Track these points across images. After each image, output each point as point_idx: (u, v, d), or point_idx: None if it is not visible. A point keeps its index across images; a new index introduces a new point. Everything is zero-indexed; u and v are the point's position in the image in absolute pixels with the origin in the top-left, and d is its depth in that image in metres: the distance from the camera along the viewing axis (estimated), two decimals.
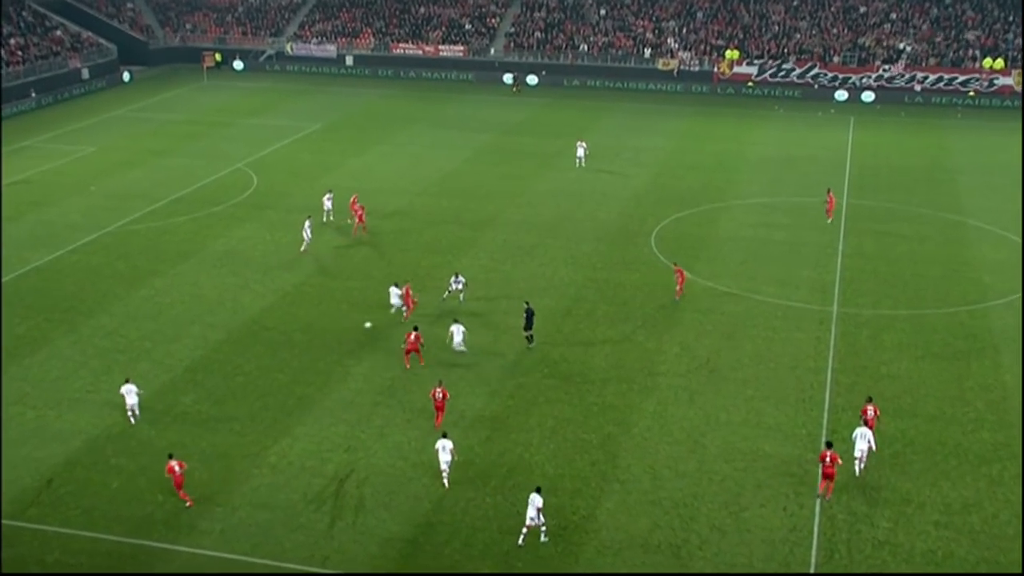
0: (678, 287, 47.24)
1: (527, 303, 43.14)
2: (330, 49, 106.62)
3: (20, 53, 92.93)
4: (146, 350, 42.22)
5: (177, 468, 31.95)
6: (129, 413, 36.76)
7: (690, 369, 40.85)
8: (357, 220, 55.82)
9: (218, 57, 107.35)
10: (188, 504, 31.96)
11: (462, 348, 41.32)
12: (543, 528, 30.52)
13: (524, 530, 30.55)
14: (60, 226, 57.62)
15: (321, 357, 41.75)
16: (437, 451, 33.10)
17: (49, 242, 54.98)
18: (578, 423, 36.81)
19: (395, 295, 44.05)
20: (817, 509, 32.06)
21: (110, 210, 60.46)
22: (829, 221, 57.81)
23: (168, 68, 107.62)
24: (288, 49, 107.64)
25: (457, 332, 41.32)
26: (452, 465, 33.10)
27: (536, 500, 30.27)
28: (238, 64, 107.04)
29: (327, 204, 58.14)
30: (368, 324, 43.10)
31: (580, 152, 70.01)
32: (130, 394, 36.76)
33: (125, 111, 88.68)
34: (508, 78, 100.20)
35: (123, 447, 35.11)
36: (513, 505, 32.15)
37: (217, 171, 68.80)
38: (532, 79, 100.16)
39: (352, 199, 58.14)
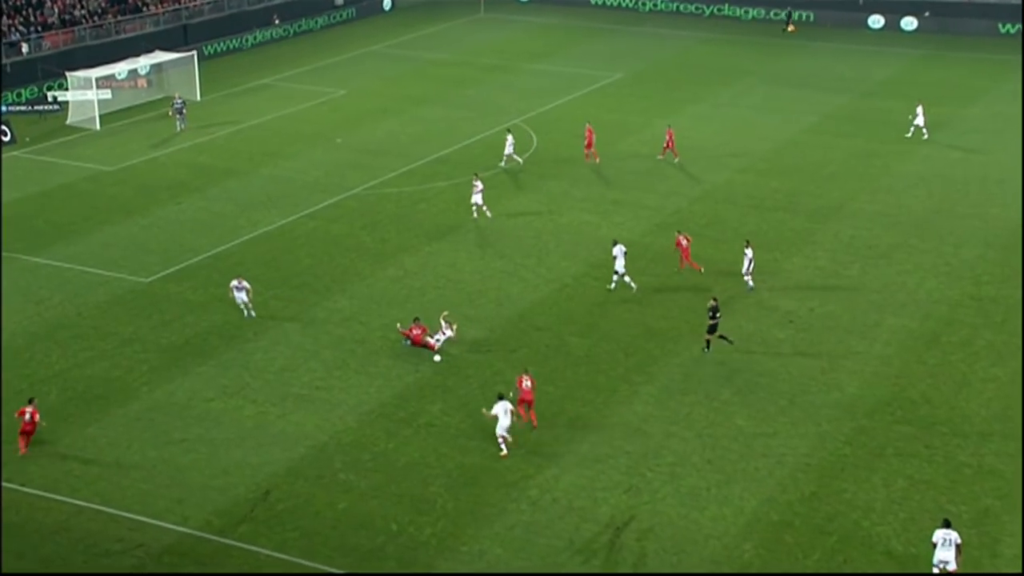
0: None
1: (714, 299, 43.56)
2: None
3: None
4: (390, 343, 44.46)
5: (29, 415, 37.02)
6: (242, 307, 46.01)
7: None
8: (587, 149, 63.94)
9: None
10: (21, 452, 37.00)
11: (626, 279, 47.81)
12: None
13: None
14: (298, 184, 61.67)
15: (602, 370, 42.51)
16: (496, 416, 36.51)
17: (283, 203, 58.99)
18: (942, 489, 35.51)
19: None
20: None
21: (357, 168, 64.06)
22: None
23: None
24: None
25: (619, 255, 47.62)
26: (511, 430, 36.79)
27: (952, 535, 30.49)
28: None
29: (509, 148, 63.81)
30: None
31: (919, 120, 67.62)
32: (240, 291, 45.59)
33: (383, 47, 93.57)
34: (875, 21, 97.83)
35: (354, 460, 37.15)
36: None
37: (488, 127, 71.29)
38: (909, 23, 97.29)
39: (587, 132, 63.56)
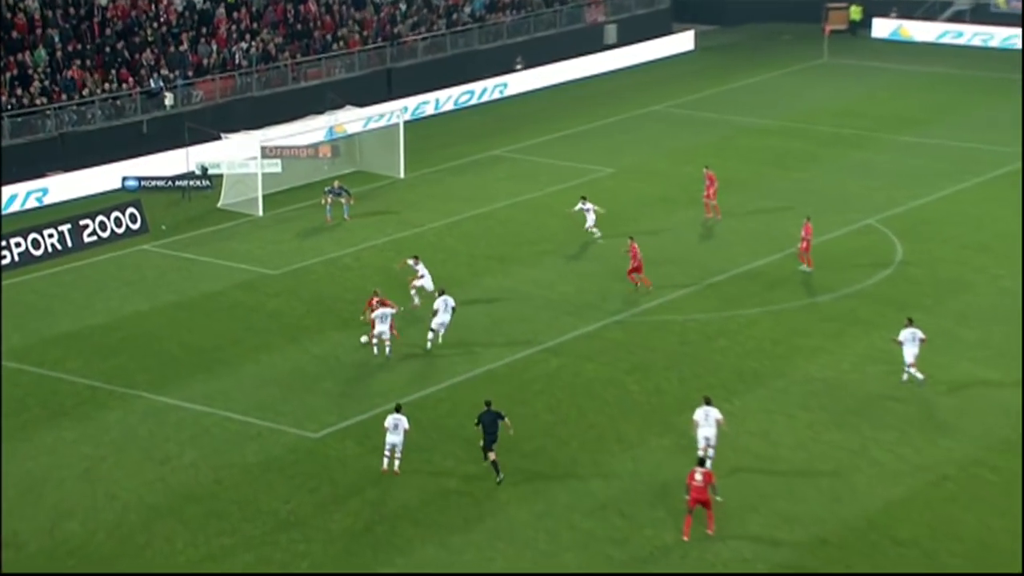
0: None
1: (488, 402, 47.11)
2: None
3: None
4: (661, 543, 43.92)
5: None
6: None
7: None
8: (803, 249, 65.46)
9: (855, 14, 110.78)
10: None
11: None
12: None
13: None
14: (537, 303, 62.19)
15: None
16: (387, 430, 46.89)
17: (513, 330, 59.62)
18: None
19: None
20: None
21: (625, 282, 63.91)
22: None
23: (756, 29, 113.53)
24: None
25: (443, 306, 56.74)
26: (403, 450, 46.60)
27: None
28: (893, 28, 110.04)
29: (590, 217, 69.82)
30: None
31: None
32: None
33: (670, 105, 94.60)
34: None
35: None
36: None
37: (828, 228, 70.46)
38: None
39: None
